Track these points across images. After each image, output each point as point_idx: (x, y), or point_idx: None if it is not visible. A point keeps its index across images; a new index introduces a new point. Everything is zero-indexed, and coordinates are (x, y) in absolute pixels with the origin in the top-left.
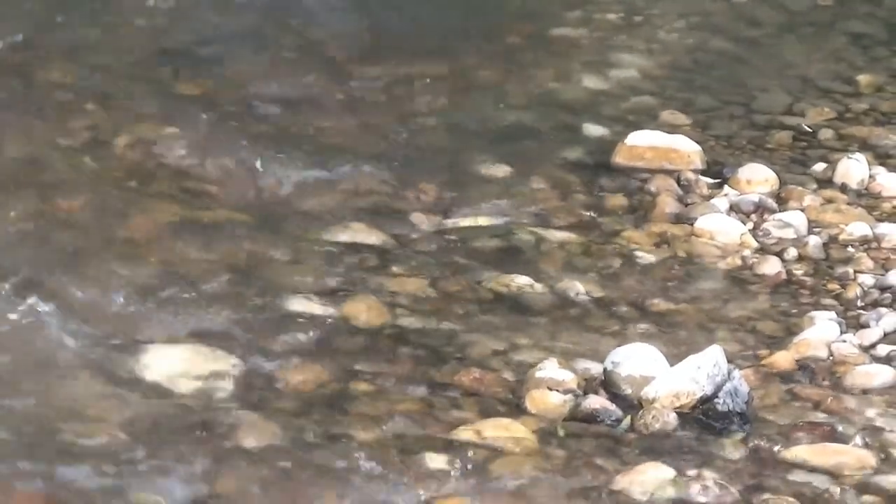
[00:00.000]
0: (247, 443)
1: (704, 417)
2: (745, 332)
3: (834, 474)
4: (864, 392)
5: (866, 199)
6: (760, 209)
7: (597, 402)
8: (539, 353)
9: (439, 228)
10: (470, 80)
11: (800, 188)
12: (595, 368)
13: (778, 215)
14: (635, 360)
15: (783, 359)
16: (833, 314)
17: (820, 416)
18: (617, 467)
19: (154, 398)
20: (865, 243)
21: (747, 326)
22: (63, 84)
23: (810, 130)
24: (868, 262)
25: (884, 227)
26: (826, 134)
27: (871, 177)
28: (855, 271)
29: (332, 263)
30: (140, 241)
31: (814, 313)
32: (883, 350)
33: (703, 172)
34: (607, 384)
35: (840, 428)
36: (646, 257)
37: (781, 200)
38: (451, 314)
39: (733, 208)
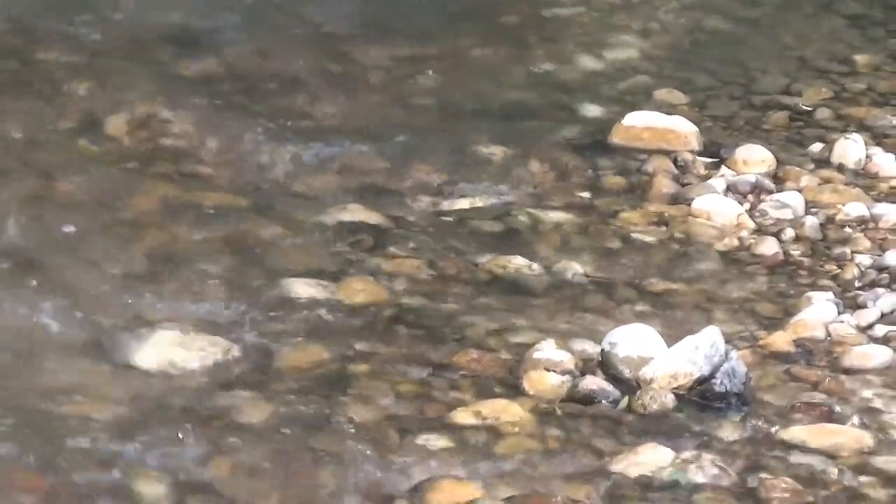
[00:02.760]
0: (245, 423)
1: (702, 398)
2: (742, 312)
3: (831, 455)
4: (862, 372)
5: (863, 179)
6: (757, 190)
7: (594, 382)
8: (536, 334)
9: (437, 209)
10: (467, 60)
11: (797, 168)
12: (592, 349)
13: (775, 196)
14: (633, 340)
15: (781, 339)
16: (831, 295)
17: (817, 397)
18: (615, 448)
19: (151, 379)
20: (863, 224)
21: (745, 307)
22: (61, 65)
23: (808, 110)
24: (865, 243)
25: (881, 208)
26: (823, 114)
27: (868, 157)
28: (852, 252)
29: (329, 244)
30: (137, 223)
31: (811, 294)
32: (880, 330)
33: (700, 153)
34: (605, 365)
35: (837, 408)
36: (643, 238)
37: (778, 181)
38: (449, 295)
39: (730, 189)
